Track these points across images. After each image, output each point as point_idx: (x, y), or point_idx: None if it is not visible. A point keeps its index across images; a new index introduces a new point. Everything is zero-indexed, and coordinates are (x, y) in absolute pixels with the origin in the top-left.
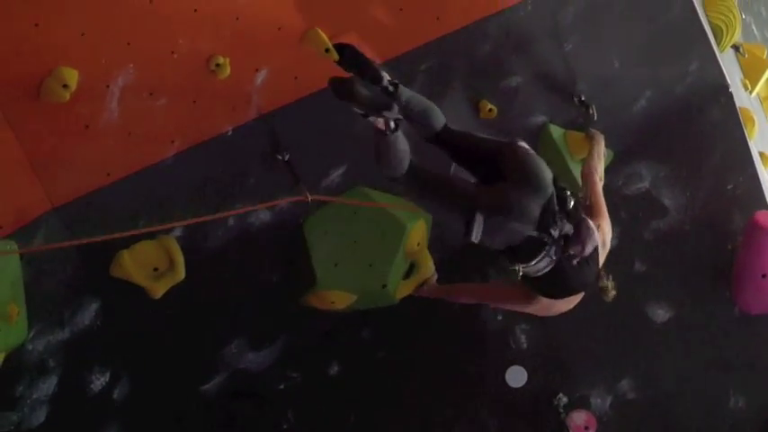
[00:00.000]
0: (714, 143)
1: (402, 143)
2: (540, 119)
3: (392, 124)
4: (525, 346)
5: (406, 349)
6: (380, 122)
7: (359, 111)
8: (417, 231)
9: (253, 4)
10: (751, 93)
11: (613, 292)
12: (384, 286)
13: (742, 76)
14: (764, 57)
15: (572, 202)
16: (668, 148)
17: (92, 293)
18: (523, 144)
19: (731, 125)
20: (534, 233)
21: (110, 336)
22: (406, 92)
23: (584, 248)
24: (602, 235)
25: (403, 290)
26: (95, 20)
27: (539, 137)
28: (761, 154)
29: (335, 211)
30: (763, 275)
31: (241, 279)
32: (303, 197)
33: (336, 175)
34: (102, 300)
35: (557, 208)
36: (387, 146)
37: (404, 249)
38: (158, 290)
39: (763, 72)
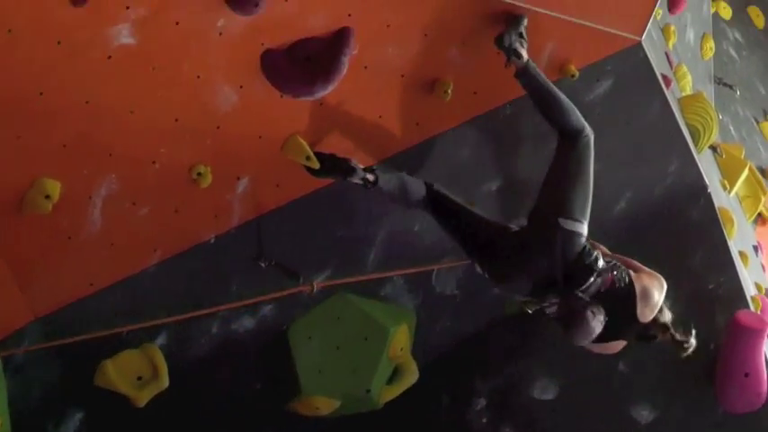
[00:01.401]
0: (694, 244)
1: (391, 184)
2: (521, 222)
3: (368, 180)
4: None
5: None
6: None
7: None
8: (400, 336)
9: (233, 113)
10: (729, 192)
11: (690, 345)
12: (368, 391)
13: (720, 176)
14: (742, 156)
15: (589, 281)
16: (649, 250)
17: (76, 403)
18: (565, 226)
19: (711, 225)
20: (526, 299)
21: None
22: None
23: (573, 339)
24: (643, 286)
25: (387, 394)
26: (77, 131)
27: None
28: (740, 253)
29: (319, 318)
30: (746, 374)
31: (225, 386)
32: (308, 287)
33: (319, 280)
34: (85, 410)
35: (562, 285)
36: (379, 194)
37: (387, 354)
38: (142, 398)
39: (741, 172)
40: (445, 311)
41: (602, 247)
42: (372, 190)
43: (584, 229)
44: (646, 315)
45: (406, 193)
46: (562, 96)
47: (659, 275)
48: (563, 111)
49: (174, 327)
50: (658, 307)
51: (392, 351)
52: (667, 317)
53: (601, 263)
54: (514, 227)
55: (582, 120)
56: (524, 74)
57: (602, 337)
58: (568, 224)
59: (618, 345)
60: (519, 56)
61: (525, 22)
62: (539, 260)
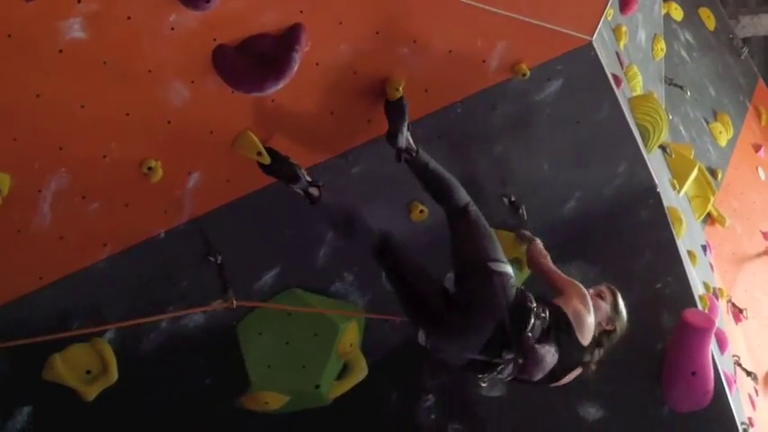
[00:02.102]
0: (643, 243)
1: (335, 211)
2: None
3: (311, 194)
4: None
5: None
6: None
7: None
8: (350, 333)
9: (184, 108)
10: (679, 192)
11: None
12: (317, 387)
13: (670, 175)
14: (692, 157)
15: (530, 325)
16: (598, 249)
17: (24, 398)
18: (499, 269)
19: (659, 225)
20: (478, 357)
21: None
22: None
23: (531, 377)
24: (573, 311)
25: (336, 390)
26: (27, 125)
27: None
28: (689, 252)
29: (269, 314)
30: (693, 373)
31: (174, 381)
32: (229, 304)
33: (269, 276)
34: (34, 404)
35: (512, 333)
36: (321, 214)
37: (336, 350)
38: (91, 392)
39: (690, 172)
40: (394, 308)
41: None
42: (315, 206)
43: (510, 269)
44: (587, 337)
45: (350, 228)
46: (449, 177)
47: (576, 287)
48: (452, 190)
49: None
50: (593, 327)
51: (341, 347)
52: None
53: (534, 303)
54: (450, 289)
55: (465, 194)
56: (416, 163)
57: (559, 374)
58: (498, 266)
59: (576, 372)
60: (412, 151)
61: (406, 105)
62: (485, 311)
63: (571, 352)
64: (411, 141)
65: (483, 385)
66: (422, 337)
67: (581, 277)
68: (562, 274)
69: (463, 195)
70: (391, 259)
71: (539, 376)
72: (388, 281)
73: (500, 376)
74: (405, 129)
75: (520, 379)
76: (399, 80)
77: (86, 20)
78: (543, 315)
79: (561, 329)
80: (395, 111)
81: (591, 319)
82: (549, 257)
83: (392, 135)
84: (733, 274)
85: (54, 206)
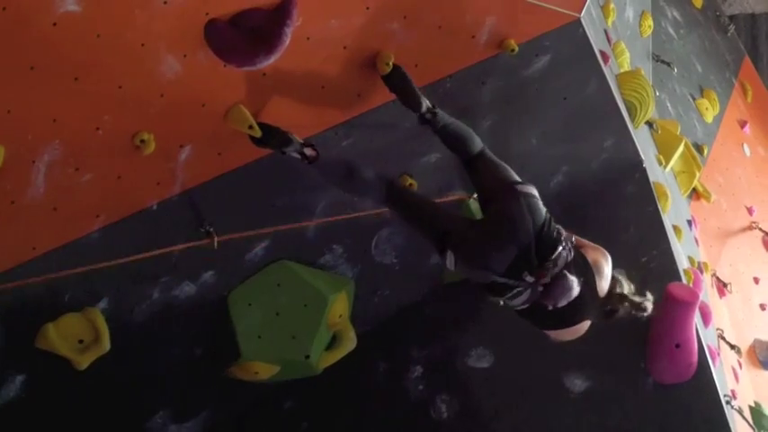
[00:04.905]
0: (629, 217)
1: (335, 167)
2: (459, 193)
3: (305, 154)
4: (446, 415)
5: (328, 420)
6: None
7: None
8: (339, 303)
9: (177, 81)
10: (665, 168)
11: (649, 305)
12: (307, 357)
13: (656, 151)
14: (678, 132)
15: (557, 252)
16: (584, 223)
17: (17, 366)
18: (525, 190)
19: (645, 200)
20: (500, 280)
21: (35, 408)
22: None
23: (556, 304)
24: (597, 266)
25: (325, 361)
26: (22, 97)
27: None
28: (674, 227)
29: (259, 284)
30: (677, 345)
31: (165, 351)
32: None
33: (260, 248)
34: (27, 373)
35: (534, 258)
36: (322, 173)
37: (326, 321)
38: (83, 361)
39: (676, 147)
40: (384, 280)
41: None
42: (313, 166)
43: (536, 192)
44: (603, 289)
45: (351, 180)
46: (466, 129)
47: (601, 247)
48: (468, 141)
49: (115, 291)
50: (609, 278)
51: (331, 318)
52: (625, 288)
53: (563, 232)
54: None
55: (480, 141)
56: (435, 122)
57: (572, 320)
58: (525, 188)
59: (584, 326)
60: (434, 112)
61: (407, 75)
62: (512, 229)
63: (587, 302)
64: (428, 102)
65: (500, 304)
66: (450, 261)
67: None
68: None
69: (478, 143)
70: (402, 200)
71: (563, 303)
72: (406, 221)
73: (515, 302)
74: (417, 92)
75: (534, 309)
76: (389, 54)
77: None
78: (569, 247)
79: (581, 272)
80: (394, 82)
81: (608, 270)
82: None
83: (406, 103)
84: (718, 248)
85: (47, 177)
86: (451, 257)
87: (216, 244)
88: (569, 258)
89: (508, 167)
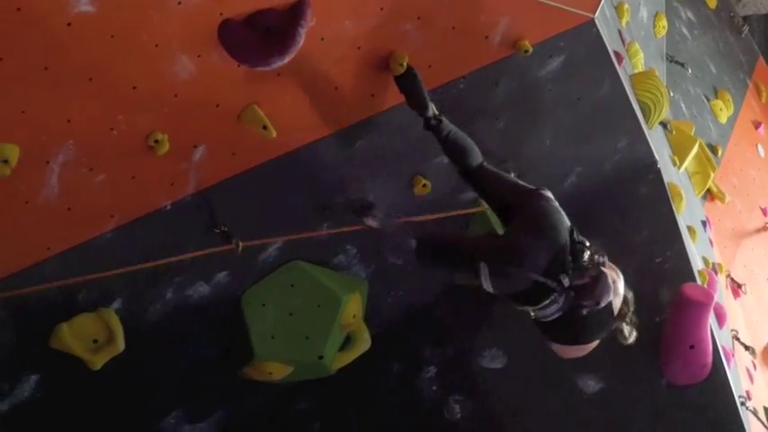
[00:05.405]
0: (643, 218)
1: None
2: (472, 194)
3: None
4: (459, 416)
5: (341, 420)
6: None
7: None
8: (353, 304)
9: (191, 81)
10: (679, 168)
11: (632, 336)
12: (320, 358)
13: (670, 152)
14: (692, 133)
15: (587, 255)
16: (598, 224)
17: (31, 367)
18: (546, 193)
19: (659, 200)
20: (540, 278)
21: (49, 407)
22: None
23: (598, 302)
24: (614, 285)
25: (339, 361)
26: (36, 97)
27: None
28: (689, 228)
29: (273, 285)
30: (692, 347)
31: (179, 351)
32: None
33: (273, 249)
34: (41, 372)
35: (569, 259)
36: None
37: (339, 322)
38: (97, 361)
39: (691, 148)
40: (397, 281)
41: None
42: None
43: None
44: (617, 307)
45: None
46: (469, 142)
47: (613, 265)
48: (469, 154)
49: (129, 291)
50: (622, 293)
51: (344, 319)
52: (630, 308)
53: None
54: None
55: (479, 155)
56: (439, 130)
57: (587, 338)
58: (548, 192)
59: (592, 346)
60: (439, 118)
61: (418, 78)
62: (550, 230)
63: (604, 317)
64: (435, 109)
65: (531, 315)
66: (485, 273)
67: None
68: None
69: (478, 155)
70: (430, 246)
71: (604, 302)
72: (439, 267)
73: (547, 311)
74: (425, 96)
75: (556, 320)
76: (403, 55)
77: None
78: (596, 249)
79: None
80: (406, 83)
81: (622, 288)
82: None
83: (414, 105)
84: (732, 249)
85: (61, 178)
86: (485, 269)
87: (240, 249)
88: (601, 260)
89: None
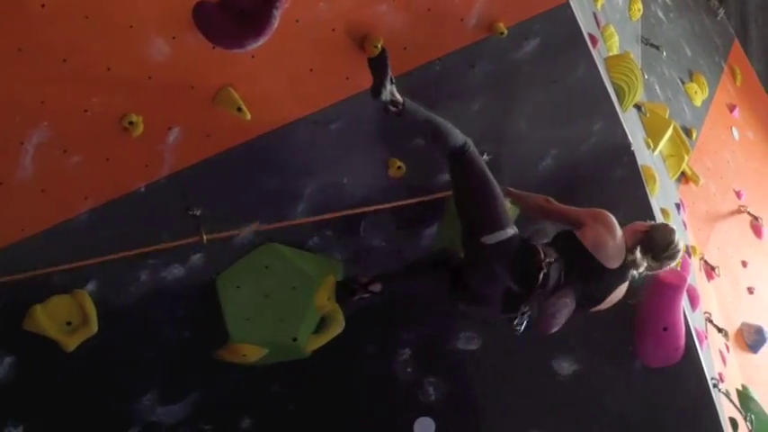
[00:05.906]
0: (617, 200)
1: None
2: (447, 176)
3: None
4: (433, 398)
5: (316, 402)
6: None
7: None
8: (327, 286)
9: (166, 63)
10: (653, 151)
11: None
12: (294, 340)
13: (645, 134)
14: (667, 116)
15: (540, 279)
16: (573, 205)
17: (5, 349)
18: (488, 242)
19: (634, 183)
20: (504, 315)
21: (23, 389)
22: None
23: (551, 327)
24: (592, 240)
25: (313, 343)
26: (9, 78)
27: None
28: (663, 210)
29: (247, 267)
30: (665, 329)
31: (154, 333)
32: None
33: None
34: (15, 354)
35: (521, 292)
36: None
37: (314, 304)
38: (71, 343)
39: (665, 131)
40: (372, 263)
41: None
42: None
43: (507, 232)
44: (613, 261)
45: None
46: (441, 120)
47: (599, 212)
48: (445, 134)
49: (103, 273)
50: (617, 248)
51: (319, 301)
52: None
53: (542, 255)
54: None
55: (460, 134)
56: (405, 115)
57: (598, 299)
58: (491, 238)
59: (620, 292)
60: (398, 103)
61: (388, 59)
62: (490, 279)
63: (601, 278)
64: (396, 94)
65: (518, 329)
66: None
67: (556, 232)
68: (574, 208)
69: (457, 137)
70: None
71: (554, 329)
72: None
73: (521, 327)
74: (388, 82)
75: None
76: (378, 37)
77: None
78: (553, 260)
79: (583, 262)
80: (377, 65)
81: (612, 242)
82: (552, 200)
83: (375, 89)
84: (706, 232)
85: (36, 159)
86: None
87: (204, 239)
88: (561, 267)
89: (483, 187)
